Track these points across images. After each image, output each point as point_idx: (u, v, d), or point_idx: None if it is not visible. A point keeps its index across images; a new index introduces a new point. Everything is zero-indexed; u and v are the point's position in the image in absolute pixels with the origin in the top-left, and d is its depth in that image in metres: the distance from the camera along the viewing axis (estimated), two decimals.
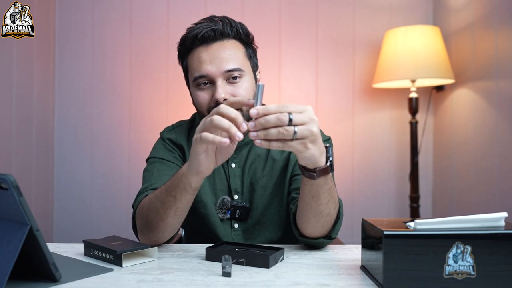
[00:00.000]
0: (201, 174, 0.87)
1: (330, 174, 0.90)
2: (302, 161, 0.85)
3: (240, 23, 1.15)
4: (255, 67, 1.18)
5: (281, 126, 0.77)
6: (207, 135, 0.80)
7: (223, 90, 1.07)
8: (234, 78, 1.09)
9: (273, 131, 0.77)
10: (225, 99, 1.06)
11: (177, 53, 1.18)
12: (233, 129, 0.78)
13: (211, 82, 1.09)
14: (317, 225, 0.96)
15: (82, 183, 2.34)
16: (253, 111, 0.78)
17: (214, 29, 1.09)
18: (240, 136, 0.78)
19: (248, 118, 0.81)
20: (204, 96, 1.10)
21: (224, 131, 0.79)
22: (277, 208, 1.17)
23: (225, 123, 0.78)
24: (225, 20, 1.12)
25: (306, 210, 0.95)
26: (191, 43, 1.11)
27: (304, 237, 1.00)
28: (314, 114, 0.81)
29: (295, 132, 0.77)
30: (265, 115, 0.77)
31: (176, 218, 0.96)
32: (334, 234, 1.00)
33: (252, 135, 0.78)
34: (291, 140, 0.78)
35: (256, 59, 1.20)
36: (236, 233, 1.17)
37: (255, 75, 1.18)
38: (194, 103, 1.17)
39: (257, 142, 0.78)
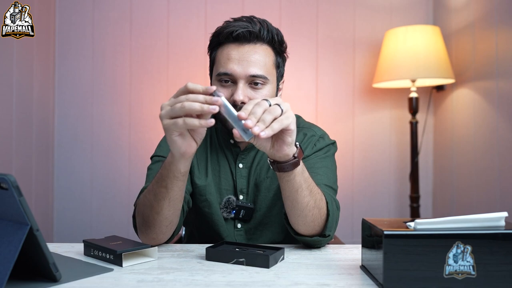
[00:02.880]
0: (185, 155, 0.88)
1: (302, 163, 0.93)
2: (286, 146, 0.87)
3: (277, 30, 1.15)
4: (280, 77, 1.19)
5: (266, 108, 0.82)
6: (179, 121, 0.82)
7: (242, 92, 1.08)
8: (256, 84, 1.10)
9: (265, 115, 0.81)
10: (243, 102, 1.07)
11: (208, 42, 1.18)
12: (205, 107, 0.80)
13: (234, 81, 1.10)
14: (307, 220, 0.96)
15: (82, 183, 2.34)
16: (241, 113, 0.80)
17: (250, 31, 1.09)
18: (214, 108, 0.80)
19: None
20: (224, 93, 1.11)
21: (198, 112, 0.81)
22: (280, 210, 1.16)
23: (197, 106, 0.80)
24: (263, 23, 1.13)
25: (293, 206, 0.96)
26: (224, 38, 1.12)
27: (299, 235, 1.01)
28: None
29: (281, 109, 0.83)
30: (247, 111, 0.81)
31: (170, 209, 0.96)
32: (328, 231, 1.00)
33: (256, 130, 0.79)
34: (281, 115, 0.82)
35: (284, 69, 1.20)
36: (238, 233, 1.17)
37: (278, 85, 1.18)
38: None
39: (262, 134, 0.80)
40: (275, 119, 0.81)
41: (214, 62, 1.16)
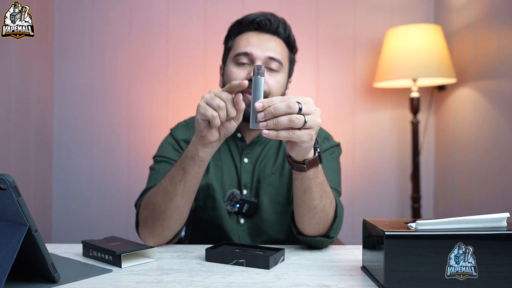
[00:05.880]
0: (204, 140, 0.88)
1: (321, 167, 0.90)
2: (295, 152, 0.85)
3: (291, 31, 1.20)
4: (290, 73, 1.24)
5: (291, 114, 0.76)
6: (207, 110, 0.83)
7: None
8: (271, 69, 1.13)
9: (283, 119, 0.76)
10: None
11: (226, 32, 1.22)
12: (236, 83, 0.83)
13: (251, 62, 1.12)
14: (312, 221, 0.96)
15: (81, 183, 2.34)
16: (258, 104, 0.77)
17: (270, 20, 1.15)
18: (245, 83, 0.82)
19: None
20: (239, 73, 1.12)
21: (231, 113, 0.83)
22: (283, 208, 1.16)
23: (224, 96, 0.84)
24: (281, 21, 1.18)
25: (300, 206, 0.95)
26: (245, 26, 1.16)
27: (302, 235, 1.00)
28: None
29: (305, 121, 0.77)
30: (270, 106, 0.77)
31: (184, 195, 0.95)
32: (333, 233, 0.99)
33: (262, 124, 0.77)
34: (300, 129, 0.78)
35: (293, 70, 1.25)
36: (241, 229, 1.17)
37: (288, 80, 1.22)
38: (222, 82, 1.20)
39: (265, 132, 0.77)
40: (291, 128, 0.77)
41: (231, 48, 1.18)
